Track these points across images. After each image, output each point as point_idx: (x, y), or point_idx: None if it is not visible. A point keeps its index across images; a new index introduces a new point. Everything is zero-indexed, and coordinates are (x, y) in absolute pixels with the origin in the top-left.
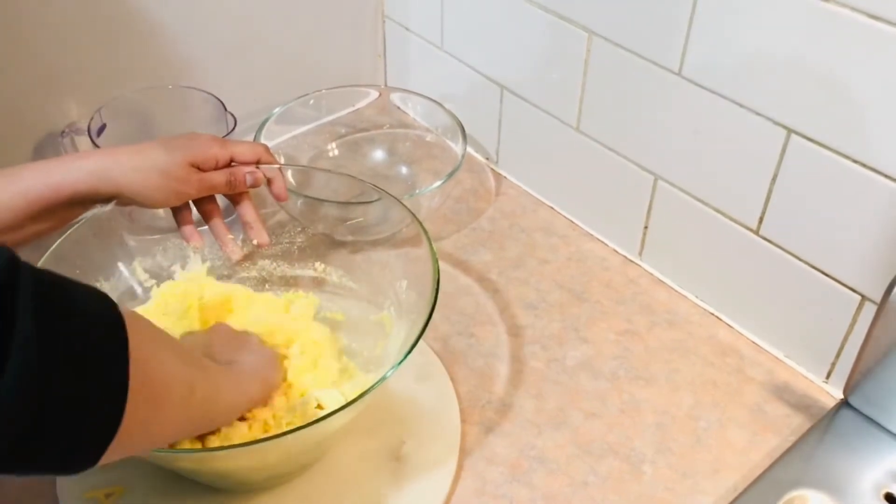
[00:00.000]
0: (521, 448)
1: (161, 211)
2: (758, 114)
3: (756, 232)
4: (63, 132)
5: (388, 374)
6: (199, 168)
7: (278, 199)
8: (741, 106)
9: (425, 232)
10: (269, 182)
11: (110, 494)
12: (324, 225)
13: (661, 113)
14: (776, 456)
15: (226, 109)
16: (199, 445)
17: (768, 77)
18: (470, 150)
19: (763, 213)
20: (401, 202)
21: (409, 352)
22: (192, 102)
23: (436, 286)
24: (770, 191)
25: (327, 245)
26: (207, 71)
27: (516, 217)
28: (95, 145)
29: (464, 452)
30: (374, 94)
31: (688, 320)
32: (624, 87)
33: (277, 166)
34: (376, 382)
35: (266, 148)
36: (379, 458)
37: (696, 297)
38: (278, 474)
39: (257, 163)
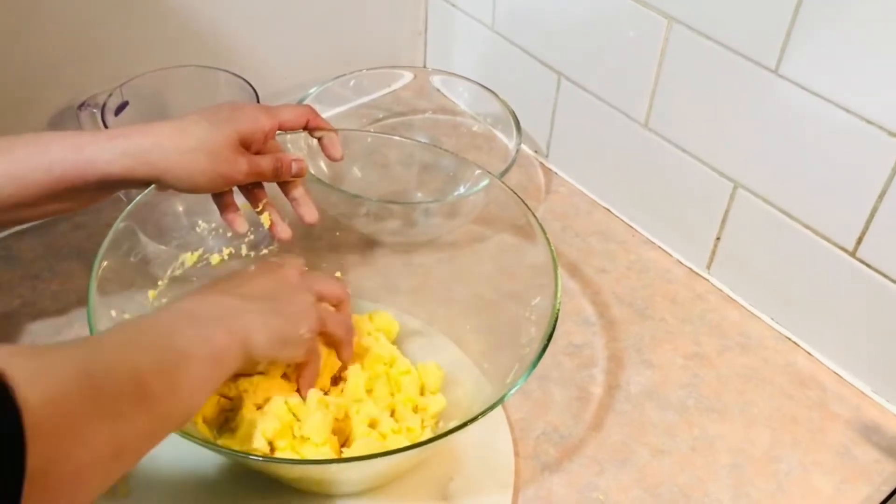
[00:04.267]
0: (581, 488)
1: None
2: (869, 122)
3: (852, 254)
4: (82, 105)
5: (512, 391)
6: (247, 144)
7: (332, 158)
8: (850, 112)
9: (548, 242)
10: (320, 141)
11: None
12: (362, 223)
13: (748, 114)
14: None
15: (256, 94)
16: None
17: (886, 82)
18: None
19: (863, 233)
20: (516, 194)
21: (536, 363)
22: (219, 84)
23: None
24: (875, 209)
25: (364, 246)
26: (236, 50)
27: (569, 219)
28: (105, 124)
29: (517, 491)
30: (409, 75)
31: (762, 345)
32: (706, 82)
33: (331, 130)
34: (497, 401)
35: (312, 109)
36: (424, 496)
37: (771, 318)
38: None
39: (306, 126)
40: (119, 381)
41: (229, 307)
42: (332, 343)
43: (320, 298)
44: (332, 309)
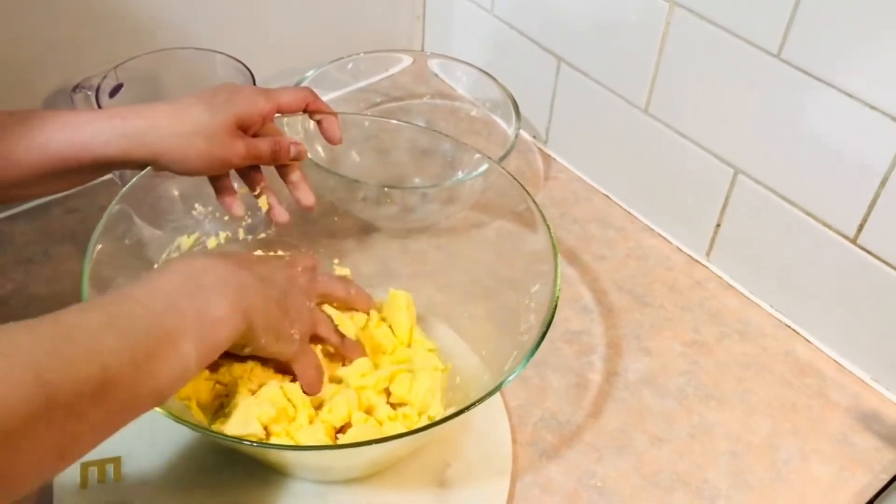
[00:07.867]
0: (579, 476)
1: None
2: (873, 107)
3: (853, 241)
4: (76, 87)
5: (510, 378)
6: (245, 127)
7: (331, 142)
8: (853, 97)
9: (548, 227)
10: (319, 124)
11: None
12: (360, 208)
13: (750, 99)
14: (868, 496)
15: (252, 77)
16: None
17: (889, 67)
18: None
19: (864, 220)
20: (516, 179)
21: (535, 350)
22: (215, 67)
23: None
24: (877, 195)
25: (362, 231)
26: (233, 33)
27: (568, 205)
28: (99, 107)
29: (515, 478)
30: (407, 59)
31: (761, 332)
32: (707, 67)
33: (330, 113)
34: (495, 388)
35: (312, 92)
36: (420, 482)
37: (771, 306)
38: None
39: (306, 109)
40: (79, 380)
41: (242, 280)
42: (323, 346)
43: (324, 299)
44: (327, 315)
